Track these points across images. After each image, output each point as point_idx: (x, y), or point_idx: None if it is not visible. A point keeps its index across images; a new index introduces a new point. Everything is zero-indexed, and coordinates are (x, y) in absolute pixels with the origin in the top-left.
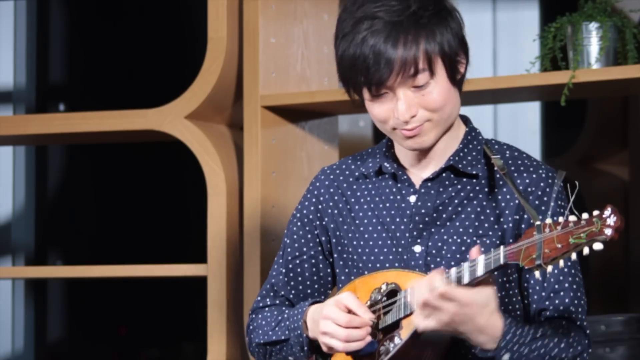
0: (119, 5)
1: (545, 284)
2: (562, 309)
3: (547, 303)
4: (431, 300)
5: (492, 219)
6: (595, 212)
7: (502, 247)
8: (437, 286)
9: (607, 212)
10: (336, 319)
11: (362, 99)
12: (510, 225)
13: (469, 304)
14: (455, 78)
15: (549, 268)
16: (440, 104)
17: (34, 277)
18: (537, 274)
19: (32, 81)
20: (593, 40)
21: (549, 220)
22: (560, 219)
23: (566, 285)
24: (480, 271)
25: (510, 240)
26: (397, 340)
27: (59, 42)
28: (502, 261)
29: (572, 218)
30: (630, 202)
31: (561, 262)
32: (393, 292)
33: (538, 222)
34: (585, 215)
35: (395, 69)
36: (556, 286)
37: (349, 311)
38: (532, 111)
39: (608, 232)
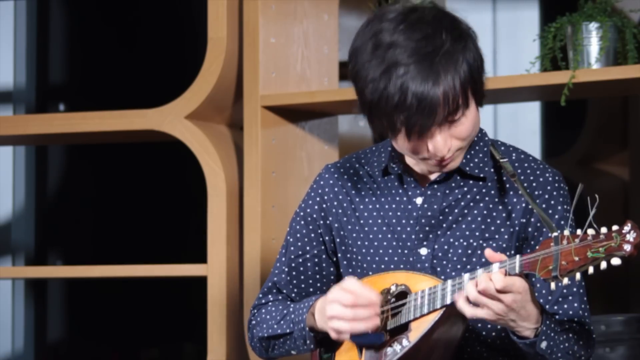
0: (119, 5)
1: (553, 289)
2: (571, 313)
3: (555, 308)
4: (490, 290)
5: (499, 222)
6: (615, 227)
7: (518, 256)
8: (494, 278)
9: (627, 227)
10: (342, 299)
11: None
12: (517, 228)
13: (523, 291)
14: (482, 101)
15: (565, 280)
16: (471, 131)
17: (34, 277)
18: (552, 285)
19: (32, 81)
20: (593, 40)
21: (567, 232)
22: (579, 232)
23: (574, 289)
24: None
25: (517, 244)
26: (405, 342)
27: (59, 42)
28: (517, 270)
29: (590, 231)
30: (630, 202)
31: (577, 275)
32: (402, 294)
33: (556, 234)
34: (604, 230)
35: (439, 113)
36: (564, 290)
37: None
38: (532, 111)
39: (627, 248)
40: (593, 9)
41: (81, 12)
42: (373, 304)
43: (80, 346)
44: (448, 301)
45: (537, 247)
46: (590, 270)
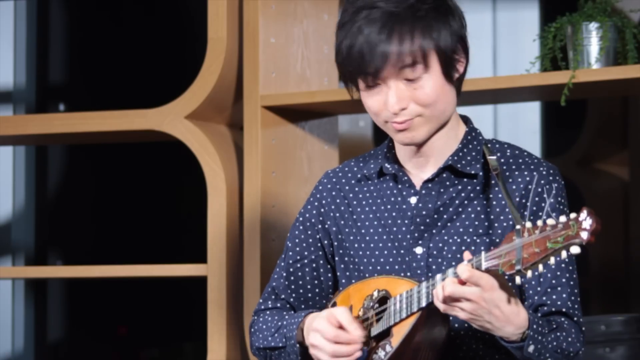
0: (119, 5)
1: (541, 279)
2: (559, 304)
3: (544, 298)
4: (455, 290)
5: (492, 217)
6: (572, 215)
7: (483, 252)
8: (459, 273)
9: (583, 214)
10: (324, 332)
11: (359, 91)
12: (511, 223)
13: (491, 288)
14: (451, 75)
15: (529, 273)
16: (432, 99)
17: (34, 277)
18: (517, 279)
19: (32, 81)
20: (593, 40)
21: (528, 224)
22: (539, 223)
23: (563, 280)
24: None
25: None
26: (388, 348)
27: (59, 42)
28: (483, 267)
29: (550, 222)
30: (630, 202)
31: (540, 267)
32: (384, 299)
33: (518, 227)
34: (562, 219)
35: (389, 60)
36: (553, 281)
37: (340, 326)
38: (532, 111)
39: (584, 235)
40: (593, 9)
41: (81, 12)
42: (354, 342)
43: (80, 346)
44: (423, 304)
45: (500, 241)
46: (552, 260)
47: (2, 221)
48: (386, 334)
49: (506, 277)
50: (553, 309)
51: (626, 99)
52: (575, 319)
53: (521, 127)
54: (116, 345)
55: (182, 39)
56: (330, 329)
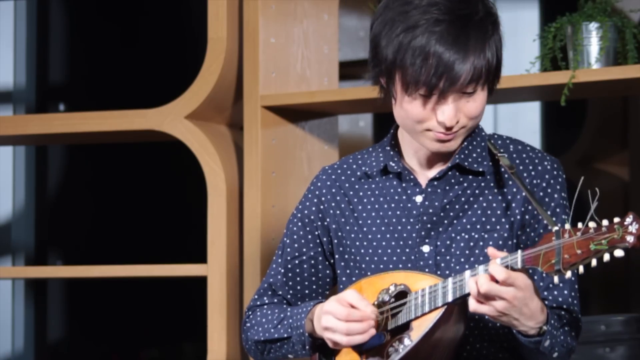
0: (119, 5)
1: (544, 275)
2: (561, 300)
3: (545, 293)
4: (491, 288)
5: (499, 212)
6: (617, 219)
7: (519, 251)
8: (494, 274)
9: (629, 219)
10: (336, 313)
11: (391, 92)
12: (518, 217)
13: (525, 287)
14: (493, 88)
15: (568, 274)
16: (479, 112)
17: (34, 277)
18: (555, 278)
19: (32, 81)
20: (593, 40)
21: (568, 226)
22: (580, 225)
23: (565, 277)
24: None
25: (518, 233)
26: (407, 341)
27: (59, 42)
28: (519, 265)
29: (592, 224)
30: (630, 202)
31: (581, 268)
32: (402, 294)
33: (556, 228)
34: (605, 222)
35: (461, 79)
36: None
37: (351, 306)
38: (532, 111)
39: (630, 239)
40: (593, 9)
41: (81, 11)
42: (367, 318)
43: (80, 346)
44: (450, 299)
45: (538, 242)
46: (594, 262)
47: (2, 221)
48: (404, 328)
49: (544, 275)
50: (554, 305)
51: (626, 99)
52: (574, 315)
53: (521, 127)
54: (116, 345)
55: (182, 39)
56: (341, 309)
